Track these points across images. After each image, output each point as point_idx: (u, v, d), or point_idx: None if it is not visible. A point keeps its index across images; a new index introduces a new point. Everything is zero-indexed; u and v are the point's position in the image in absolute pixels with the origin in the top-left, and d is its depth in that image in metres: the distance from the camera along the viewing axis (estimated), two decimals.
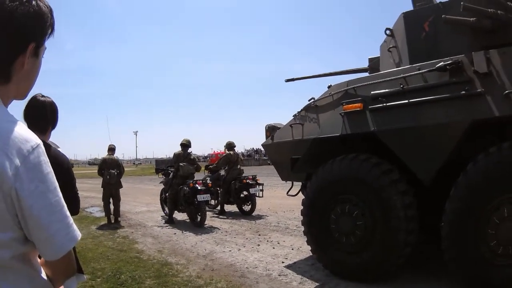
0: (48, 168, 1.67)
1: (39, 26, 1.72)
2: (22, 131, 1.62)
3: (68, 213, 1.72)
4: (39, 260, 1.84)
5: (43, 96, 4.04)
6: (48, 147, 3.83)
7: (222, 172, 18.05)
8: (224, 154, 18.15)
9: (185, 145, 15.97)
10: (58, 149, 4.14)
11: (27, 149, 1.58)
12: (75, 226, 1.75)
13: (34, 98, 3.96)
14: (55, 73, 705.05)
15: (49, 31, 1.79)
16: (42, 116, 3.99)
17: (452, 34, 7.79)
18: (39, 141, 1.66)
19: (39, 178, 1.60)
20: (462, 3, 7.14)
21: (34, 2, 1.69)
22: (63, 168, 3.99)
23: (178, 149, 16.05)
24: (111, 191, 16.06)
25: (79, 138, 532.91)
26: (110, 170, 15.99)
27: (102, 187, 16.34)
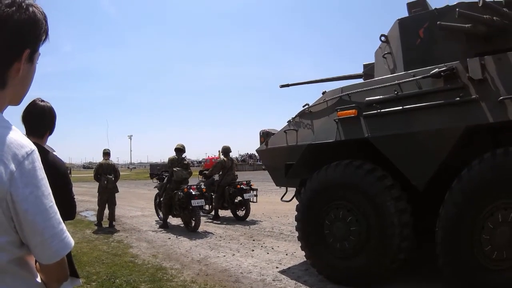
0: (42, 174, 1.68)
1: (35, 32, 1.75)
2: (17, 137, 1.64)
3: (61, 219, 1.75)
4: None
5: (42, 100, 4.03)
6: (46, 153, 3.85)
7: (216, 177, 18.06)
8: (218, 161, 18.09)
9: (180, 149, 15.97)
10: (54, 153, 4.15)
11: (22, 155, 1.59)
12: (68, 233, 1.78)
13: (33, 103, 3.95)
14: (52, 75, 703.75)
15: (43, 37, 1.82)
16: (41, 122, 3.99)
17: (447, 41, 7.82)
18: (33, 147, 1.67)
19: (33, 183, 1.62)
20: (457, 9, 7.19)
21: (30, 9, 1.72)
22: (60, 173, 4.00)
23: (173, 154, 16.03)
24: (108, 196, 16.06)
25: (74, 142, 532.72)
26: (108, 176, 15.99)
27: (98, 192, 16.29)
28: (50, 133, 4.14)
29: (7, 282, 1.64)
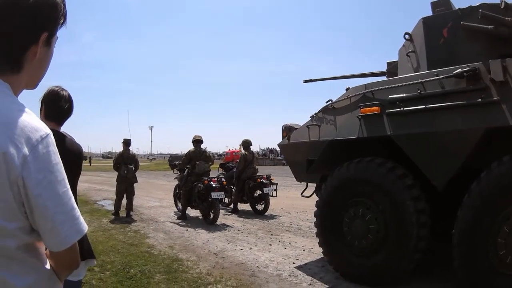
0: (57, 158, 1.66)
1: (53, 15, 1.74)
2: (32, 120, 1.62)
3: (75, 205, 1.72)
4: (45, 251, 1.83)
5: (63, 89, 4.09)
6: (63, 137, 3.90)
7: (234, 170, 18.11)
8: (241, 155, 18.11)
9: (199, 140, 15.98)
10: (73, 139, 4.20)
11: (36, 139, 1.57)
12: (82, 219, 1.75)
13: (56, 92, 4.01)
14: (71, 65, 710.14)
15: (61, 21, 1.81)
16: (66, 110, 4.07)
17: (470, 41, 7.76)
18: (48, 131, 1.65)
19: (47, 168, 1.59)
20: (480, 10, 7.15)
21: None
22: (81, 157, 4.11)
23: (191, 146, 16.07)
24: (126, 186, 16.12)
25: (94, 131, 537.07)
26: (128, 165, 16.08)
27: (117, 181, 16.42)
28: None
29: (15, 269, 1.61)
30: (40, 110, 3.97)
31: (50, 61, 1.87)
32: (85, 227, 1.77)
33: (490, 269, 6.12)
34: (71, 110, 4.12)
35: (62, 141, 3.80)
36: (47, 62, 1.84)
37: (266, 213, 17.00)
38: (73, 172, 3.55)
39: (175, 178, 18.03)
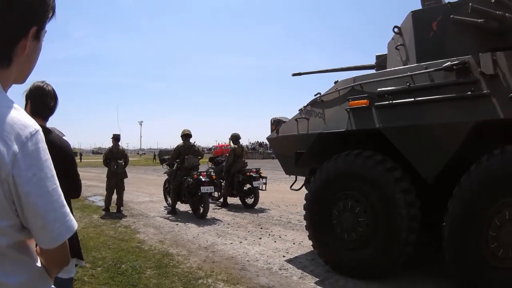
0: (47, 155, 1.65)
1: (42, 9, 1.73)
2: (21, 117, 1.60)
3: (64, 202, 1.71)
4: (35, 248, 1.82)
5: (47, 84, 4.08)
6: (49, 132, 3.90)
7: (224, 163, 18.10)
8: (230, 149, 18.06)
9: (188, 135, 15.94)
10: (64, 137, 4.19)
11: (26, 135, 1.56)
12: (71, 216, 1.75)
13: (40, 87, 4.00)
14: (62, 61, 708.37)
15: (50, 14, 1.79)
16: (52, 105, 4.08)
17: (459, 35, 7.76)
18: (38, 127, 1.64)
19: (37, 165, 1.59)
20: (470, 4, 7.14)
21: None
22: (65, 153, 4.08)
23: (181, 141, 15.99)
24: (116, 181, 16.13)
25: (84, 127, 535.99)
26: (118, 161, 16.07)
27: (107, 177, 16.41)
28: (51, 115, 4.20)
29: (6, 267, 1.60)
30: (25, 106, 3.96)
31: (39, 55, 1.86)
32: (76, 225, 1.77)
33: (480, 262, 6.14)
34: (56, 105, 4.13)
35: (47, 136, 3.77)
36: (36, 56, 1.83)
37: (256, 207, 17.00)
38: (62, 168, 3.56)
39: (164, 173, 18.07)
